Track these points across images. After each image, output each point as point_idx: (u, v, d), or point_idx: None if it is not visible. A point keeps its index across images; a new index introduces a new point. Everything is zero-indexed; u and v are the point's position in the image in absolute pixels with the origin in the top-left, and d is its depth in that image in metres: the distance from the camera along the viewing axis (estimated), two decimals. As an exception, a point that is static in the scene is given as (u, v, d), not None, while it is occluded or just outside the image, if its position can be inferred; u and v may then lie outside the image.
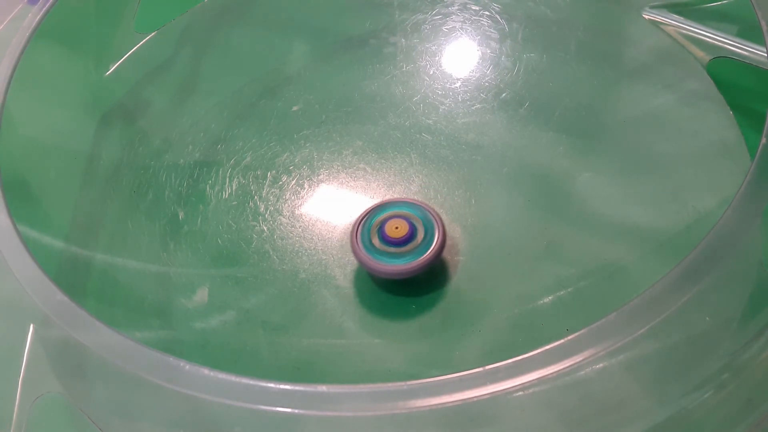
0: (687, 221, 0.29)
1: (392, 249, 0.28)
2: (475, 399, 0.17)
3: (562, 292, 0.28)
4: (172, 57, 0.39)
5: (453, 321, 0.28)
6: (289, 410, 0.18)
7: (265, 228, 0.32)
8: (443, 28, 0.39)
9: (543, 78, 0.36)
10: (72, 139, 0.35)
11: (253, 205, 0.32)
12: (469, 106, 0.35)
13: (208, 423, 0.19)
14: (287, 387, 0.18)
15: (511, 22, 0.38)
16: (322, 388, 0.18)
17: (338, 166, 0.34)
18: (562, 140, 0.33)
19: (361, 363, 0.27)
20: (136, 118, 0.37)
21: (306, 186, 0.33)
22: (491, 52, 0.37)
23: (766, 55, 0.25)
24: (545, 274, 0.28)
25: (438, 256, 0.28)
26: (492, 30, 0.38)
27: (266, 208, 0.32)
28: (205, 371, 0.19)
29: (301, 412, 0.18)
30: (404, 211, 0.29)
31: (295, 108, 0.37)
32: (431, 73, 0.37)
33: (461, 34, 0.39)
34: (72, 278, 0.30)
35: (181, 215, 0.33)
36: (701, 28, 0.35)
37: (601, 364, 0.18)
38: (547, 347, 0.18)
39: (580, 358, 0.18)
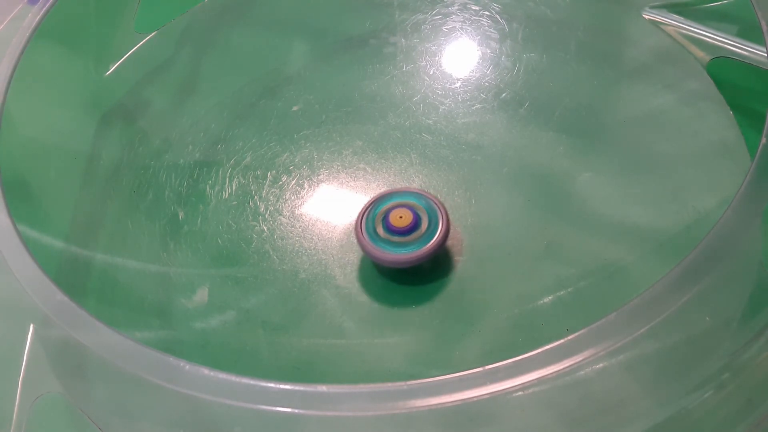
0: (687, 221, 0.29)
1: (396, 238, 0.28)
2: (474, 399, 0.17)
3: (562, 292, 0.28)
4: (172, 57, 0.39)
5: (453, 321, 0.28)
6: (289, 410, 0.18)
7: (265, 228, 0.32)
8: (443, 28, 0.39)
9: (543, 78, 0.36)
10: (72, 139, 0.35)
11: (253, 205, 0.32)
12: (469, 106, 0.35)
13: (208, 423, 0.19)
14: (287, 387, 0.18)
15: (511, 22, 0.38)
16: (322, 388, 0.18)
17: (338, 166, 0.34)
18: (562, 140, 0.33)
19: (361, 363, 0.27)
20: (136, 118, 0.37)
21: (306, 186, 0.33)
22: (491, 52, 0.37)
23: (766, 55, 0.25)
24: (545, 274, 0.28)
25: (442, 246, 0.28)
26: (492, 30, 0.38)
27: (266, 208, 0.32)
28: (205, 371, 0.19)
29: (301, 412, 0.18)
30: (408, 200, 0.29)
31: (295, 108, 0.37)
32: (431, 73, 0.37)
33: (461, 34, 0.39)
34: (72, 278, 0.30)
35: (181, 215, 0.33)
36: (701, 28, 0.35)
37: (601, 364, 0.18)
38: (547, 347, 0.18)
39: (580, 358, 0.18)
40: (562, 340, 0.18)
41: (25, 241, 0.23)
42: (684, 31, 0.35)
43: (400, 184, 0.32)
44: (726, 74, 0.33)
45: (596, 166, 0.32)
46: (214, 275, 0.30)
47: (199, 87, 0.38)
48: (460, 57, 0.38)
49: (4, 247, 0.23)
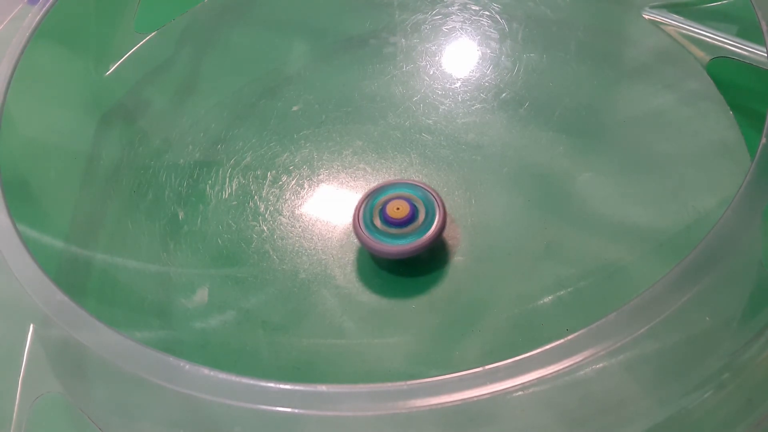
0: (687, 221, 0.29)
1: (394, 230, 0.28)
2: (474, 399, 0.17)
3: (562, 292, 0.28)
4: (172, 57, 0.39)
5: (453, 321, 0.28)
6: (289, 410, 0.18)
7: (265, 228, 0.32)
8: (443, 28, 0.39)
9: (543, 78, 0.36)
10: (72, 139, 0.35)
11: (253, 205, 0.32)
12: (469, 106, 0.35)
13: (208, 423, 0.19)
14: (287, 387, 0.18)
15: (511, 22, 0.38)
16: (322, 388, 0.18)
17: (338, 166, 0.34)
18: (562, 140, 0.33)
19: (361, 363, 0.27)
20: (136, 118, 0.37)
21: (306, 186, 0.33)
22: (491, 52, 0.37)
23: (766, 55, 0.25)
24: (545, 274, 0.28)
25: (438, 237, 0.28)
26: (492, 30, 0.38)
27: (266, 208, 0.32)
28: (205, 371, 0.19)
29: (301, 412, 0.18)
30: (406, 192, 0.29)
31: (295, 108, 0.37)
32: (431, 73, 0.37)
33: (461, 34, 0.39)
34: (72, 278, 0.30)
35: (181, 215, 0.33)
36: (701, 28, 0.35)
37: (601, 364, 0.18)
38: (547, 347, 0.18)
39: (580, 358, 0.18)
40: (562, 340, 0.18)
41: (25, 241, 0.23)
42: (684, 31, 0.35)
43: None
44: (726, 74, 0.33)
45: (596, 166, 0.32)
46: (214, 275, 0.30)
47: (199, 87, 0.38)
48: (460, 57, 0.38)
49: (4, 247, 0.23)
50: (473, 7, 0.39)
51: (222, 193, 0.33)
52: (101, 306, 0.30)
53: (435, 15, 0.40)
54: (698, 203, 0.30)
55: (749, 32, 0.33)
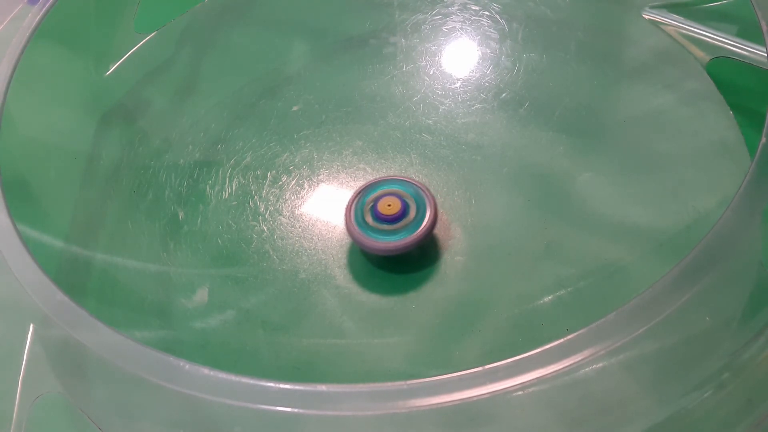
0: (687, 221, 0.29)
1: (385, 226, 0.28)
2: (474, 398, 0.17)
3: (562, 292, 0.28)
4: (172, 57, 0.39)
5: (453, 321, 0.28)
6: (289, 410, 0.18)
7: (265, 228, 0.32)
8: (443, 28, 0.39)
9: (543, 78, 0.36)
10: (72, 139, 0.35)
11: (253, 205, 0.32)
12: (469, 106, 0.35)
13: (208, 423, 0.19)
14: (287, 387, 0.18)
15: (511, 22, 0.38)
16: (322, 387, 0.18)
17: (338, 166, 0.34)
18: (562, 140, 0.33)
19: (361, 363, 0.27)
20: (136, 118, 0.37)
21: (306, 186, 0.33)
22: (491, 52, 0.37)
23: (766, 55, 0.25)
24: (545, 274, 0.28)
25: (430, 233, 0.28)
26: (492, 30, 0.38)
27: (266, 208, 0.32)
28: (205, 371, 0.19)
29: (301, 411, 0.18)
30: (397, 188, 0.30)
31: (295, 108, 0.37)
32: (431, 73, 0.37)
33: (461, 34, 0.39)
34: (72, 278, 0.30)
35: (181, 215, 0.33)
36: (701, 28, 0.35)
37: (600, 364, 0.18)
38: (547, 347, 0.18)
39: (580, 358, 0.18)
40: (561, 340, 0.18)
41: (25, 241, 0.23)
42: (684, 31, 0.35)
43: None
44: (726, 74, 0.33)
45: (596, 166, 0.32)
46: (214, 275, 0.30)
47: (199, 87, 0.38)
48: (460, 57, 0.38)
49: (4, 247, 0.23)
50: (473, 7, 0.39)
51: (222, 193, 0.33)
52: (101, 306, 0.30)
53: (435, 15, 0.40)
54: (698, 203, 0.30)
55: (749, 32, 0.33)
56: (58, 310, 0.21)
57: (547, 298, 0.28)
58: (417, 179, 0.32)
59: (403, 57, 0.38)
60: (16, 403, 0.21)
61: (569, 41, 0.37)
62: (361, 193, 0.30)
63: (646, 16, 0.36)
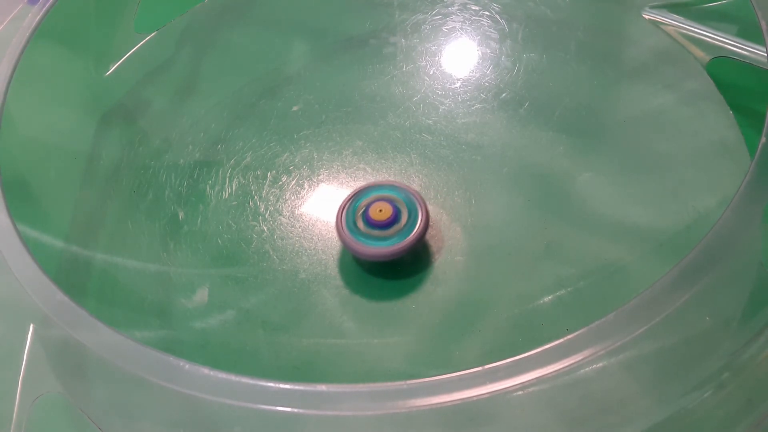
0: (687, 221, 0.29)
1: (376, 232, 0.28)
2: (474, 398, 0.17)
3: (562, 292, 0.28)
4: (172, 57, 0.39)
5: (453, 321, 0.28)
6: (288, 410, 0.18)
7: (265, 228, 0.32)
8: (443, 28, 0.39)
9: (543, 78, 0.36)
10: (72, 139, 0.35)
11: (253, 205, 0.32)
12: (469, 106, 0.35)
13: (208, 423, 0.19)
14: (287, 387, 0.18)
15: (511, 22, 0.38)
16: (322, 387, 0.18)
17: (338, 166, 0.34)
18: (562, 140, 0.33)
19: (361, 363, 0.27)
20: (136, 118, 0.37)
21: (306, 186, 0.33)
22: (491, 52, 0.37)
23: (766, 55, 0.25)
24: (545, 274, 0.28)
25: (421, 239, 0.28)
26: (492, 30, 0.38)
27: (266, 208, 0.32)
28: (205, 371, 0.19)
29: (301, 411, 0.18)
30: (388, 194, 0.29)
31: (295, 108, 0.37)
32: (431, 73, 0.37)
33: (461, 34, 0.39)
34: (72, 278, 0.30)
35: (181, 215, 0.33)
36: (701, 28, 0.35)
37: (600, 364, 0.18)
38: (547, 347, 0.18)
39: (580, 358, 0.18)
40: (561, 340, 0.18)
41: (25, 241, 0.23)
42: (684, 31, 0.35)
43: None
44: (726, 74, 0.33)
45: (596, 166, 0.32)
46: (214, 275, 0.30)
47: (199, 87, 0.38)
48: (460, 57, 0.38)
49: (4, 247, 0.23)
50: (473, 7, 0.39)
51: (222, 193, 0.33)
52: (101, 306, 0.30)
53: (435, 15, 0.40)
54: (698, 203, 0.30)
55: (749, 32, 0.33)
56: (58, 310, 0.21)
57: (547, 298, 0.28)
58: (417, 179, 0.32)
59: (403, 57, 0.38)
60: (16, 403, 0.21)
61: (569, 41, 0.37)
62: (353, 199, 0.30)
63: (646, 16, 0.37)
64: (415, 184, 0.32)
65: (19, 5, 0.32)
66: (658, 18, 0.36)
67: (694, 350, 0.19)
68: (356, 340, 0.28)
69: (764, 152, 0.21)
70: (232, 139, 0.36)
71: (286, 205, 0.32)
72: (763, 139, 0.21)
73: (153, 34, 0.38)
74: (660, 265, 0.27)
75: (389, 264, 0.29)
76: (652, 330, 0.18)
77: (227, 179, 0.34)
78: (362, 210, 0.29)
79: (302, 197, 0.33)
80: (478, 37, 0.38)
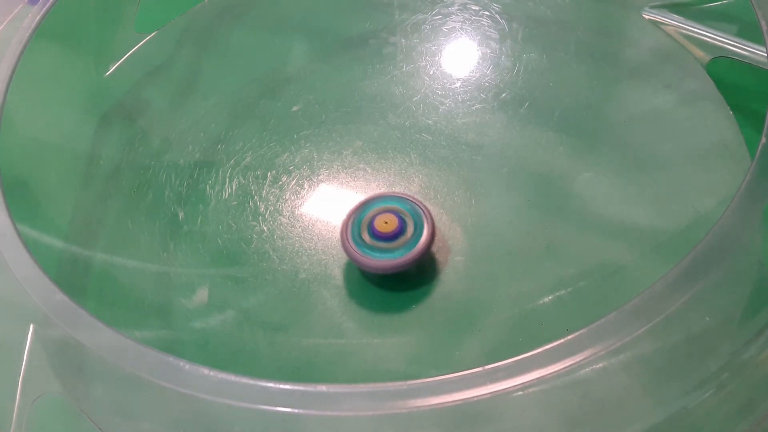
0: (687, 221, 0.29)
1: (382, 244, 0.28)
2: (475, 399, 0.17)
3: (562, 292, 0.28)
4: (172, 57, 0.39)
5: (453, 321, 0.28)
6: (289, 410, 0.18)
7: (265, 228, 0.32)
8: (443, 28, 0.39)
9: (543, 78, 0.36)
10: (72, 139, 0.35)
11: (253, 205, 0.32)
12: (469, 106, 0.35)
13: (208, 423, 0.19)
14: (287, 387, 0.18)
15: (511, 22, 0.38)
16: (322, 387, 0.18)
17: (338, 166, 0.34)
18: (562, 140, 0.33)
19: (361, 363, 0.27)
20: (136, 118, 0.37)
21: (306, 186, 0.33)
22: (491, 52, 0.37)
23: (766, 55, 0.25)
24: (545, 274, 0.28)
25: (427, 251, 0.28)
26: (492, 30, 0.38)
27: (266, 208, 0.32)
28: (205, 371, 0.19)
29: (301, 411, 0.18)
30: (394, 205, 0.29)
31: (295, 108, 0.37)
32: (431, 73, 0.37)
33: (461, 34, 0.39)
34: (72, 278, 0.30)
35: (181, 215, 0.33)
36: (701, 28, 0.35)
37: (600, 364, 0.18)
38: (547, 347, 0.18)
39: (580, 358, 0.18)
40: (562, 340, 0.18)
41: (25, 241, 0.23)
42: (684, 31, 0.35)
43: (400, 185, 0.32)
44: (726, 74, 0.33)
45: (596, 166, 0.32)
46: (214, 275, 0.30)
47: (199, 87, 0.38)
48: (460, 57, 0.38)
49: (4, 247, 0.23)
50: (473, 7, 0.39)
51: (222, 193, 0.33)
52: (101, 306, 0.30)
53: (435, 15, 0.40)
54: (698, 203, 0.30)
55: (749, 32, 0.33)
56: (58, 310, 0.21)
57: (547, 298, 0.28)
58: (417, 179, 0.32)
59: (403, 57, 0.38)
60: (16, 403, 0.21)
61: (569, 41, 0.37)
62: (358, 210, 0.29)
63: (646, 16, 0.37)
64: (415, 184, 0.32)
65: (19, 5, 0.32)
66: (658, 18, 0.36)
67: (694, 350, 0.19)
68: (356, 340, 0.28)
69: (764, 152, 0.21)
70: (232, 139, 0.35)
71: (286, 205, 0.32)
72: (763, 139, 0.21)
73: (153, 34, 0.38)
74: (660, 265, 0.27)
75: (394, 276, 0.29)
76: (652, 330, 0.18)
77: (227, 179, 0.34)
78: (368, 222, 0.29)
79: (302, 197, 0.33)
80: (478, 37, 0.38)
